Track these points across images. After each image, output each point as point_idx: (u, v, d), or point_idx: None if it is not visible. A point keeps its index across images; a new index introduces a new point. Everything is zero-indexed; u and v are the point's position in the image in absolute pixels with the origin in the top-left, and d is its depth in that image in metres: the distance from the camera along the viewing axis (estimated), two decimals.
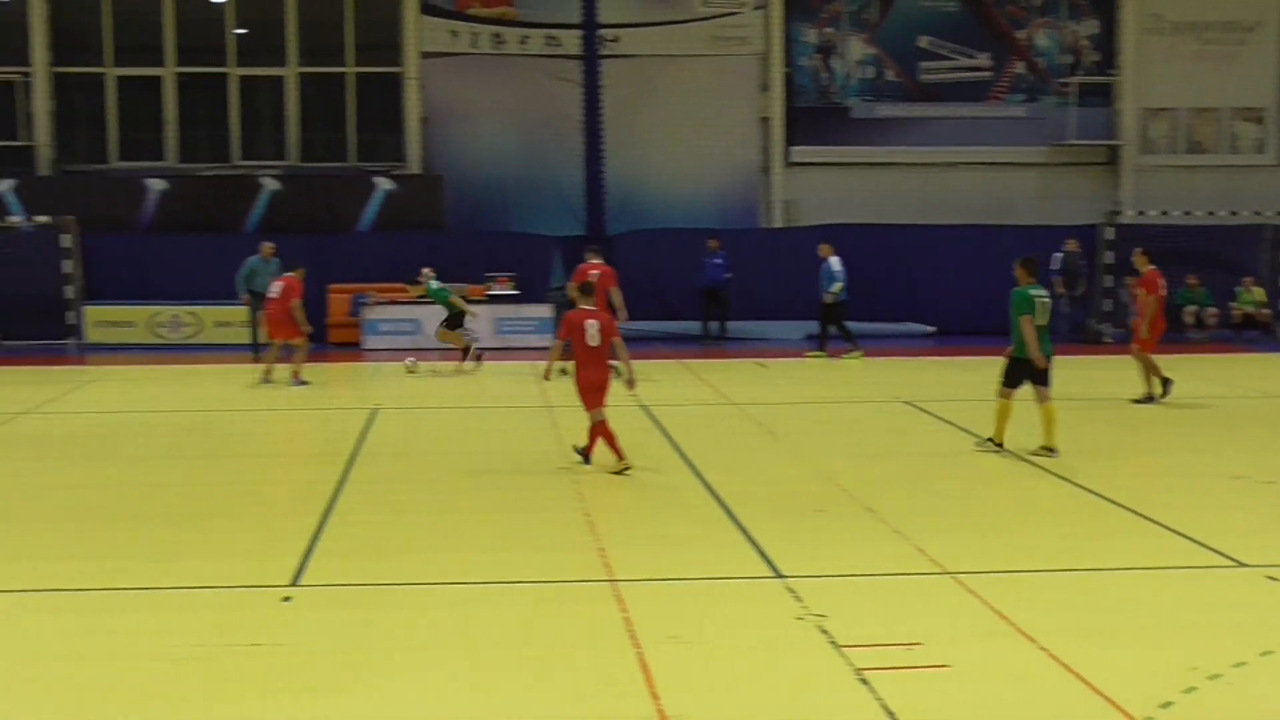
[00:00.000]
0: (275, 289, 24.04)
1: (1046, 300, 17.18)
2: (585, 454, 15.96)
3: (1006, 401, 17.07)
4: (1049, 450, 16.63)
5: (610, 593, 10.72)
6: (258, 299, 26.83)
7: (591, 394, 15.65)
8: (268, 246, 27.77)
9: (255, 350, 27.58)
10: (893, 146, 35.13)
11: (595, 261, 23.76)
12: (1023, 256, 17.47)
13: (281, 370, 23.70)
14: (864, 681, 8.67)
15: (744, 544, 12.30)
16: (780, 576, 11.13)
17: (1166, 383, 21.41)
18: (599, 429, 15.65)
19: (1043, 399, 16.88)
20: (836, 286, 27.71)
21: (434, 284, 26.04)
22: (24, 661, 9.36)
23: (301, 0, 34.67)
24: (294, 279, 23.98)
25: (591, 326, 15.51)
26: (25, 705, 8.54)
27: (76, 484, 15.58)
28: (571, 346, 15.68)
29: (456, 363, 25.87)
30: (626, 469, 15.50)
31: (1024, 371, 16.99)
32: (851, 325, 28.07)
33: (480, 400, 22.62)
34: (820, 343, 28.30)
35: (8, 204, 32.60)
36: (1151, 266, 21.54)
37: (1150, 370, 21.48)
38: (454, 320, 26.11)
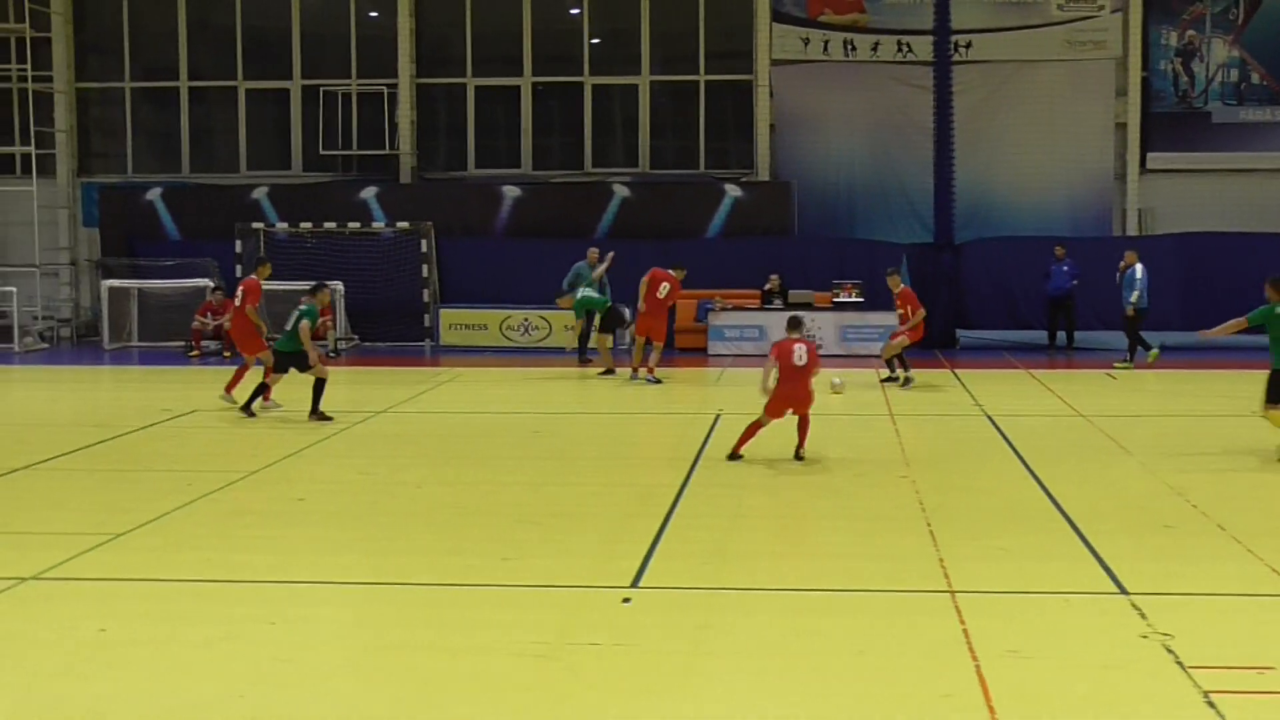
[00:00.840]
0: (238, 293, 22.72)
1: None
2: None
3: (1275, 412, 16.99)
4: None
5: (949, 604, 10.58)
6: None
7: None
8: (593, 252, 28.32)
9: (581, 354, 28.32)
10: (1257, 152, 33.87)
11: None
12: (1274, 276, 18.21)
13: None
14: (1211, 704, 8.35)
15: (1088, 559, 11.99)
16: (1125, 593, 10.81)
17: None
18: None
19: None
20: (1134, 295, 27.03)
21: (584, 292, 26.93)
22: (374, 651, 9.70)
23: (655, 9, 35.22)
24: (254, 280, 22.39)
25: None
26: (371, 693, 8.82)
27: (428, 481, 16.06)
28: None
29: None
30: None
31: None
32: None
33: (825, 408, 22.54)
34: (1129, 354, 27.58)
35: (371, 210, 33.88)
36: None
37: None
38: (607, 323, 26.93)
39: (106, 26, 36.80)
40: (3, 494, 15.40)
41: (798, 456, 16.82)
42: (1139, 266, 27.44)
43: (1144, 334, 27.63)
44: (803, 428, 16.96)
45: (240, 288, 22.44)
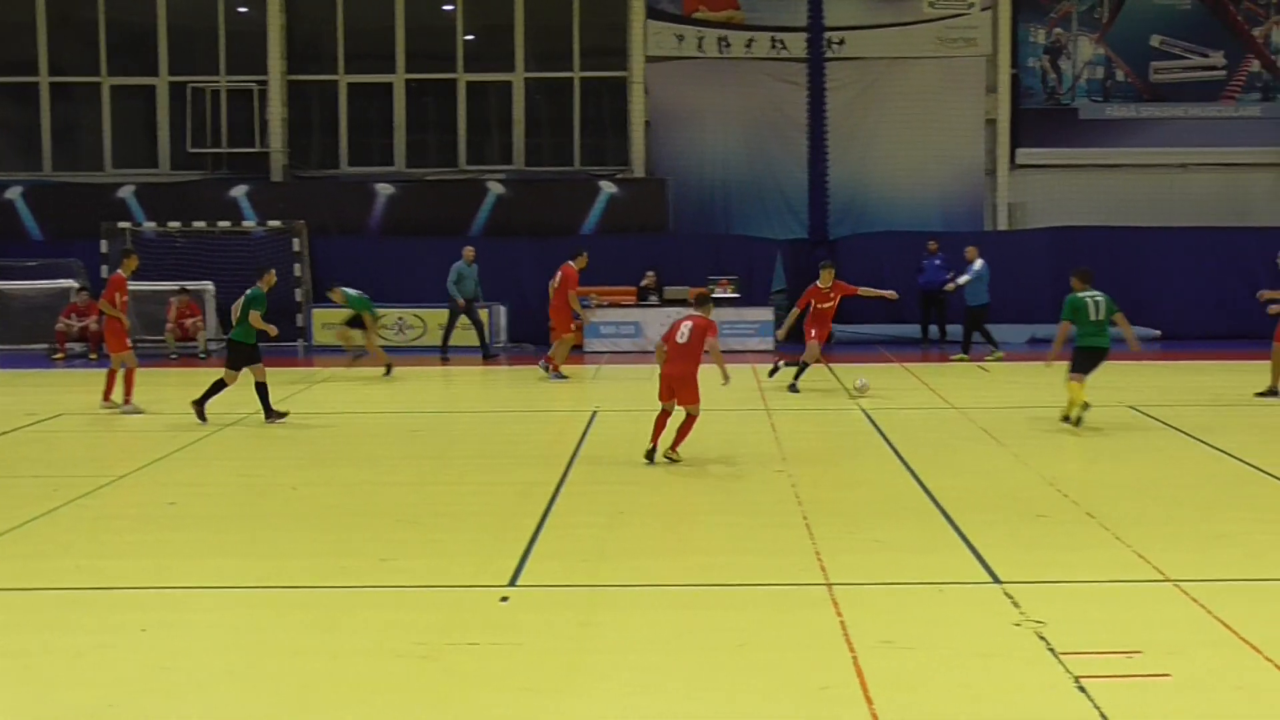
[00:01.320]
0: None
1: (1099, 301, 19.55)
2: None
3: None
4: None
5: (826, 597, 10.67)
6: (466, 303, 28.31)
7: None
8: (470, 250, 28.40)
9: (443, 352, 28.33)
10: (1122, 148, 34.51)
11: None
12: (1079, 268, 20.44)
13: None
14: (1082, 689, 8.51)
15: (962, 549, 12.16)
16: (999, 582, 10.97)
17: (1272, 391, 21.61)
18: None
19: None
20: (964, 279, 27.94)
21: (351, 291, 26.91)
22: (253, 655, 9.59)
23: (529, 6, 35.14)
24: (119, 275, 21.77)
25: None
26: (252, 698, 8.75)
27: (305, 483, 15.91)
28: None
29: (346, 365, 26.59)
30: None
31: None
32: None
33: (703, 404, 22.63)
34: (964, 346, 28.27)
35: (242, 209, 33.52)
36: None
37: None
38: (356, 321, 26.90)
39: None
40: None
41: (667, 456, 16.61)
42: (980, 261, 27.93)
43: (991, 328, 28.11)
44: (683, 428, 16.79)
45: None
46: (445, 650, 9.51)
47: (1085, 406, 19.16)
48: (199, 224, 32.13)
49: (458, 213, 33.77)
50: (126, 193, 33.90)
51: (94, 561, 12.22)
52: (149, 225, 32.49)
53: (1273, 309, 21.76)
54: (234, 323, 20.64)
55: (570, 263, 25.46)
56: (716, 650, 9.45)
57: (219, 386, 20.36)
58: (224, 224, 32.44)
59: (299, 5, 35.60)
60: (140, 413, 20.91)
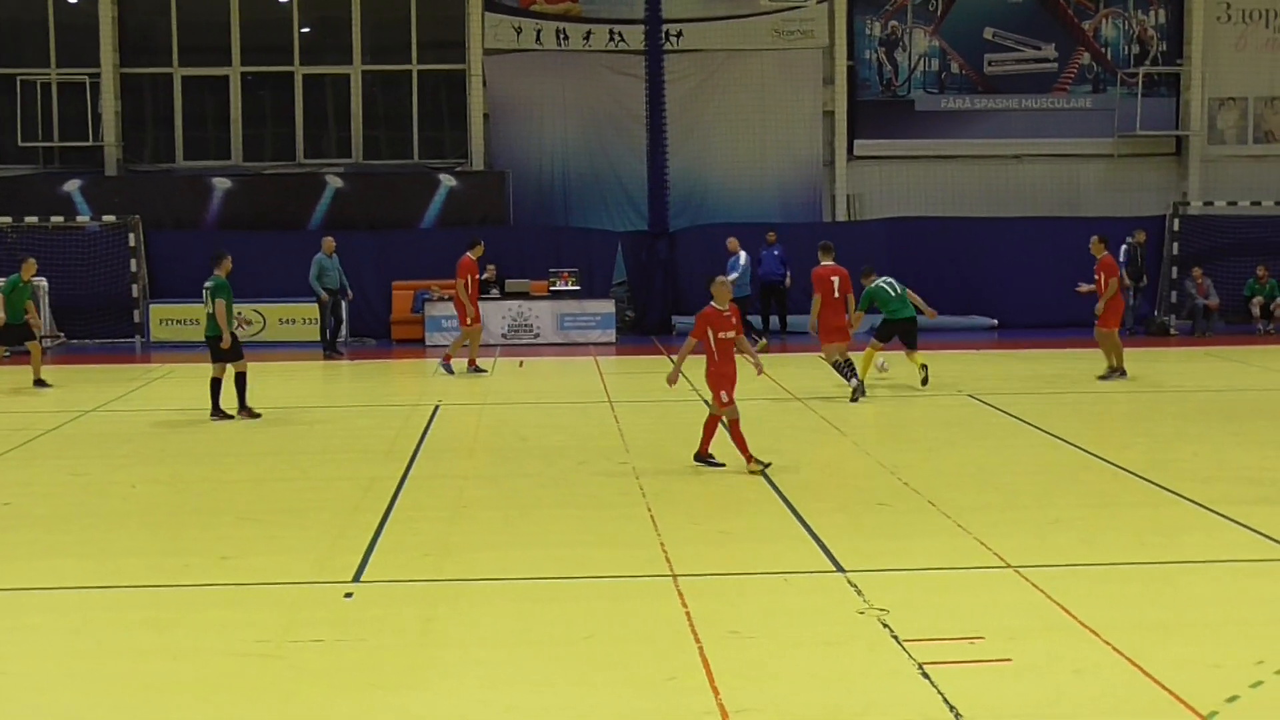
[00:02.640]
0: None
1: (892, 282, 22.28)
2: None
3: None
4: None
5: (672, 588, 10.72)
6: (330, 295, 27.83)
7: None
8: (329, 241, 28.07)
9: (327, 348, 27.97)
10: (958, 139, 35.00)
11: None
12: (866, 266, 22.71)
13: None
14: (925, 676, 8.62)
15: (806, 539, 12.28)
16: (842, 571, 11.09)
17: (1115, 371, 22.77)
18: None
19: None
20: (733, 277, 27.71)
21: None
22: (91, 657, 9.44)
23: None
24: None
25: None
26: (91, 701, 8.61)
27: (143, 480, 15.67)
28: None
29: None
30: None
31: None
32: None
33: (543, 396, 22.68)
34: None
35: (75, 204, 32.89)
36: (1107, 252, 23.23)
37: (1112, 351, 22.75)
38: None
39: None
40: None
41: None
42: (743, 254, 28.24)
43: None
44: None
45: None
46: (289, 648, 9.42)
47: (924, 368, 21.61)
48: (31, 219, 31.42)
49: (296, 206, 33.41)
50: None
51: None
52: None
53: (1082, 288, 23.25)
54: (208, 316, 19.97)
55: (468, 253, 25.10)
56: (563, 643, 9.47)
57: (217, 385, 19.98)
58: (57, 219, 31.78)
59: None
60: None
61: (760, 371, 16.19)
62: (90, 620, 10.32)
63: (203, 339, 20.37)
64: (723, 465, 15.43)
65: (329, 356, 27.96)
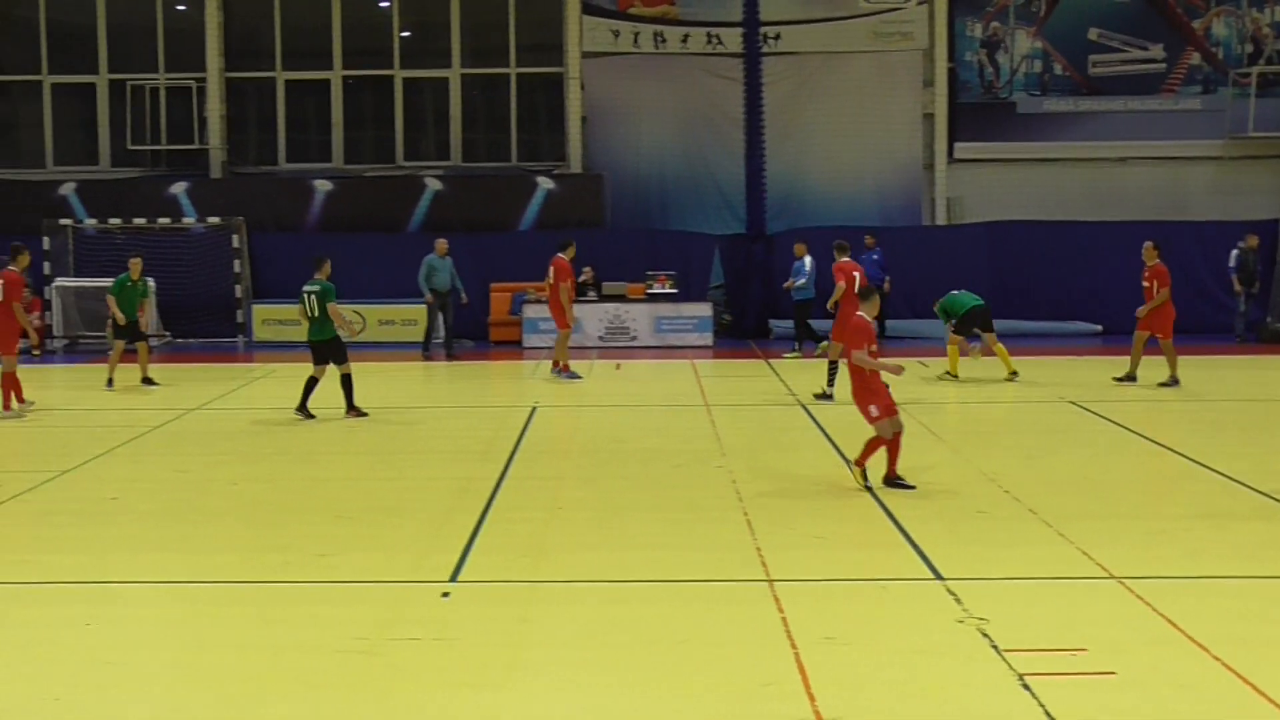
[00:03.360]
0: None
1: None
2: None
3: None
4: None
5: (767, 593, 10.62)
6: (439, 297, 27.87)
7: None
8: (442, 243, 28.15)
9: (426, 348, 28.08)
10: (1060, 142, 34.58)
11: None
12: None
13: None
14: (1026, 687, 8.47)
15: (903, 545, 12.14)
16: (940, 579, 10.94)
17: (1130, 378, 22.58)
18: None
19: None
20: (800, 283, 27.72)
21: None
22: (194, 649, 9.56)
23: (465, 3, 34.95)
24: (14, 273, 21.08)
25: None
26: (194, 693, 8.70)
27: (245, 478, 15.84)
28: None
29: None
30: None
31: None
32: (1016, 324, 27.94)
33: (640, 399, 22.62)
34: (796, 343, 28.12)
35: (181, 206, 33.28)
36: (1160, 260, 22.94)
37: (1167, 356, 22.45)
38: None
39: None
40: None
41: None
42: (808, 259, 27.86)
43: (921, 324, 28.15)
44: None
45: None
46: (386, 646, 9.45)
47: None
48: (139, 220, 31.85)
49: (395, 209, 33.62)
50: (67, 190, 33.59)
51: (36, 556, 12.20)
52: (90, 222, 32.30)
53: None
54: (313, 320, 20.08)
55: (560, 254, 24.88)
56: (658, 646, 9.40)
57: (312, 384, 20.09)
58: (164, 220, 32.18)
59: (236, 3, 35.29)
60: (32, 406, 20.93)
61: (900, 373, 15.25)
62: (193, 614, 10.45)
63: (305, 341, 20.46)
64: (913, 488, 14.49)
65: (429, 357, 28.08)
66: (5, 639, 9.72)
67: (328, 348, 20.09)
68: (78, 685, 8.76)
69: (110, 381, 23.27)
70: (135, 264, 24.11)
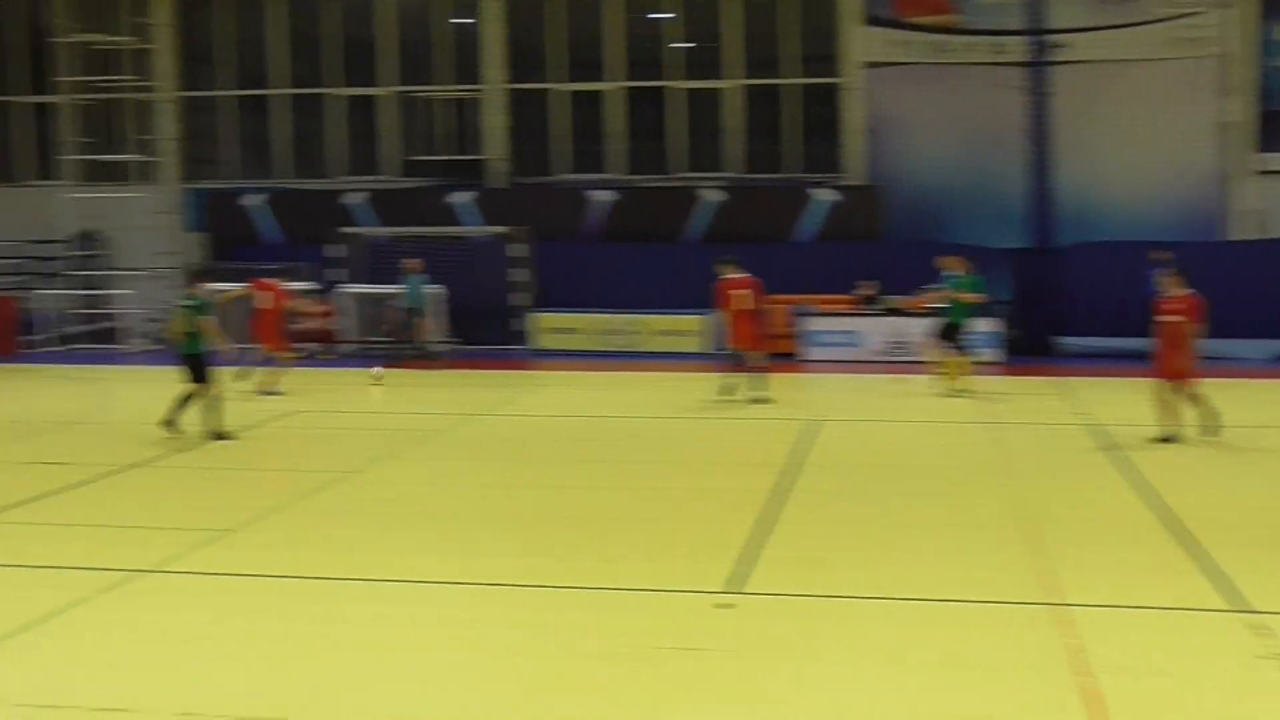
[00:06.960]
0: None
1: None
2: None
3: None
4: None
5: (1056, 616, 10.26)
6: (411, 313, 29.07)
7: None
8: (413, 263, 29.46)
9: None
10: None
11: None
12: None
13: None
14: None
15: (1207, 574, 11.57)
16: (1248, 611, 10.38)
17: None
18: None
19: None
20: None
21: None
22: (471, 650, 9.71)
23: (743, 14, 34.93)
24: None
25: None
26: (471, 694, 8.81)
27: (527, 484, 16.07)
28: None
29: None
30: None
31: None
32: None
33: (924, 415, 22.19)
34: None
35: (462, 215, 33.88)
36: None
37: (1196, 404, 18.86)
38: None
39: (205, 40, 37.16)
40: (120, 490, 15.95)
41: None
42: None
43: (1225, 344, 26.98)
44: None
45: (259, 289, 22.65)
46: (662, 655, 9.46)
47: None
48: (423, 229, 32.50)
49: (673, 220, 33.74)
50: (355, 199, 34.52)
51: (324, 555, 12.64)
52: (378, 231, 33.12)
53: None
54: None
55: (734, 272, 24.05)
56: (940, 667, 9.17)
57: None
58: (447, 229, 32.84)
59: (517, 15, 35.81)
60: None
61: None
62: (468, 617, 10.60)
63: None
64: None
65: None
66: (296, 631, 10.12)
67: (197, 362, 19.42)
68: (363, 676, 9.08)
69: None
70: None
